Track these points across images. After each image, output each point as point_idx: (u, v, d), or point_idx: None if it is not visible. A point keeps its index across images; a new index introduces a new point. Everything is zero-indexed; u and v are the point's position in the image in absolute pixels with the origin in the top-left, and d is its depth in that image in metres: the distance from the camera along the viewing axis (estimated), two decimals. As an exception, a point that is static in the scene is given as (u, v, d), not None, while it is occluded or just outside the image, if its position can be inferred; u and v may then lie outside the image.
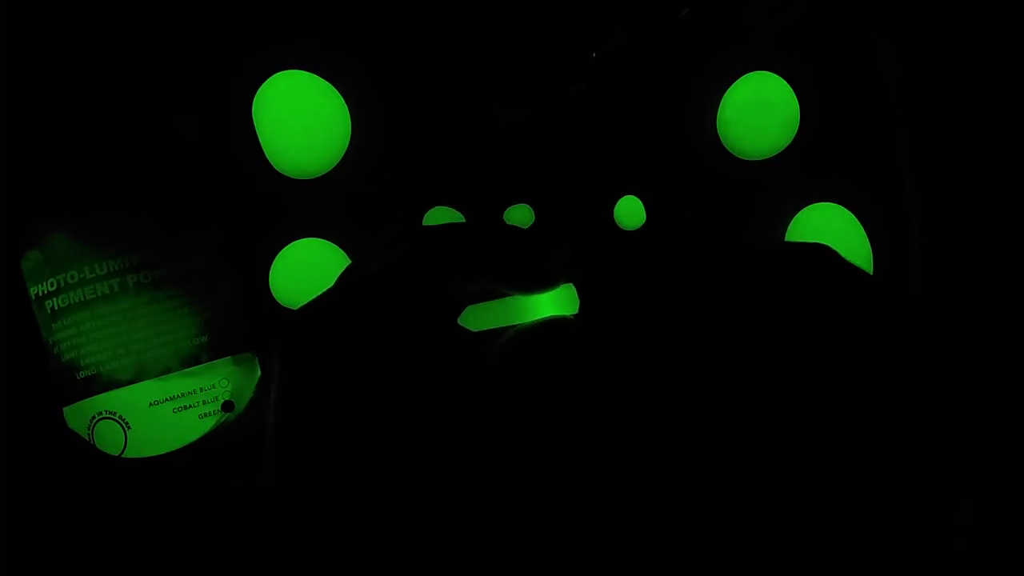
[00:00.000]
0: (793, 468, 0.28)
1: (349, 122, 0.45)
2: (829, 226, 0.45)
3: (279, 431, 0.28)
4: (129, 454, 0.44)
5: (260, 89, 0.44)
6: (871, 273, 0.41)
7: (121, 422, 0.43)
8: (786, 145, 0.46)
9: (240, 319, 0.44)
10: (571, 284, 0.31)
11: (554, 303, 0.31)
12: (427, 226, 0.31)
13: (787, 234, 0.46)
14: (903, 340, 0.29)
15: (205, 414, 0.44)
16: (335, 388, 0.28)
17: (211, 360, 0.44)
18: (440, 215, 0.45)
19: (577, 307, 0.32)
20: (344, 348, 0.28)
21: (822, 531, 0.28)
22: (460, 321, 0.31)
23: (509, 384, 0.29)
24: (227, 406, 0.44)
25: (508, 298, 0.31)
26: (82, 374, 0.43)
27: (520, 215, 0.45)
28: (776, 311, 0.29)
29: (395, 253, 0.29)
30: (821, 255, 0.31)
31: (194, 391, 0.44)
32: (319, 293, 0.30)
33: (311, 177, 0.45)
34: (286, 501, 0.28)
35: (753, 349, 0.29)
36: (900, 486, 0.27)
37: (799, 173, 0.46)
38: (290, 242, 0.45)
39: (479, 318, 0.31)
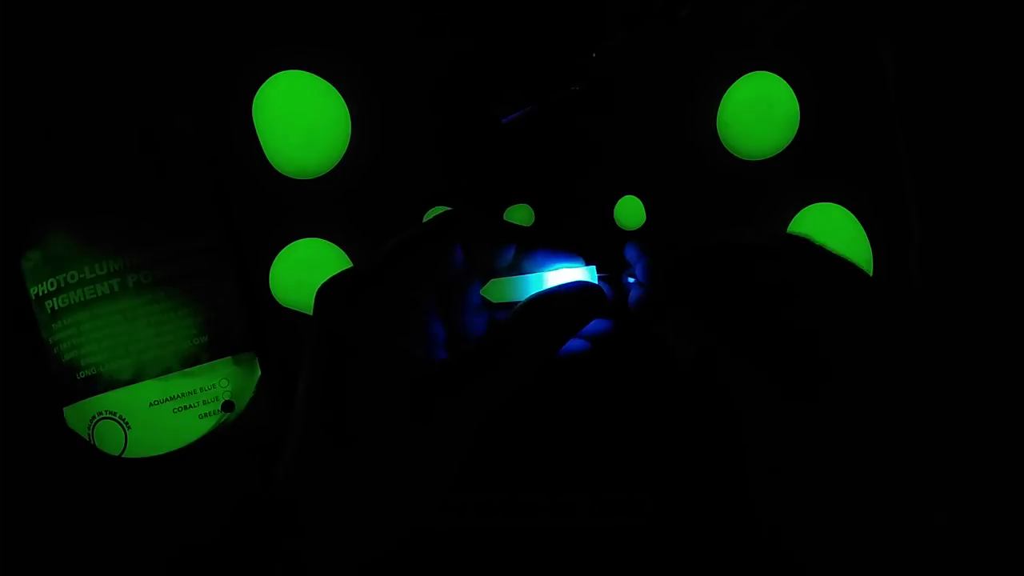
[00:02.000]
0: (771, 449, 0.28)
1: (349, 122, 0.45)
2: (829, 226, 0.45)
3: (310, 393, 0.28)
4: (129, 454, 0.44)
5: (260, 89, 0.44)
6: (862, 268, 0.41)
7: (121, 422, 0.43)
8: (786, 145, 0.46)
9: (240, 319, 0.44)
10: (592, 267, 0.32)
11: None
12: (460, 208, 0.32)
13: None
14: (883, 329, 0.29)
15: (205, 414, 0.44)
16: (369, 350, 0.28)
17: (211, 360, 0.44)
18: (440, 215, 0.45)
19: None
20: (379, 308, 0.28)
21: (800, 512, 0.28)
22: (483, 292, 0.32)
23: (537, 338, 0.29)
24: (227, 406, 0.44)
25: (529, 275, 0.32)
26: (82, 374, 0.43)
27: (520, 215, 0.45)
28: (761, 303, 0.29)
29: (430, 222, 0.30)
30: (804, 248, 0.31)
31: (194, 391, 0.44)
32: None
33: (311, 177, 0.45)
34: (310, 473, 0.28)
35: (738, 340, 0.29)
36: (877, 469, 0.27)
37: (799, 173, 0.46)
38: (290, 242, 0.45)
39: (501, 290, 0.32)
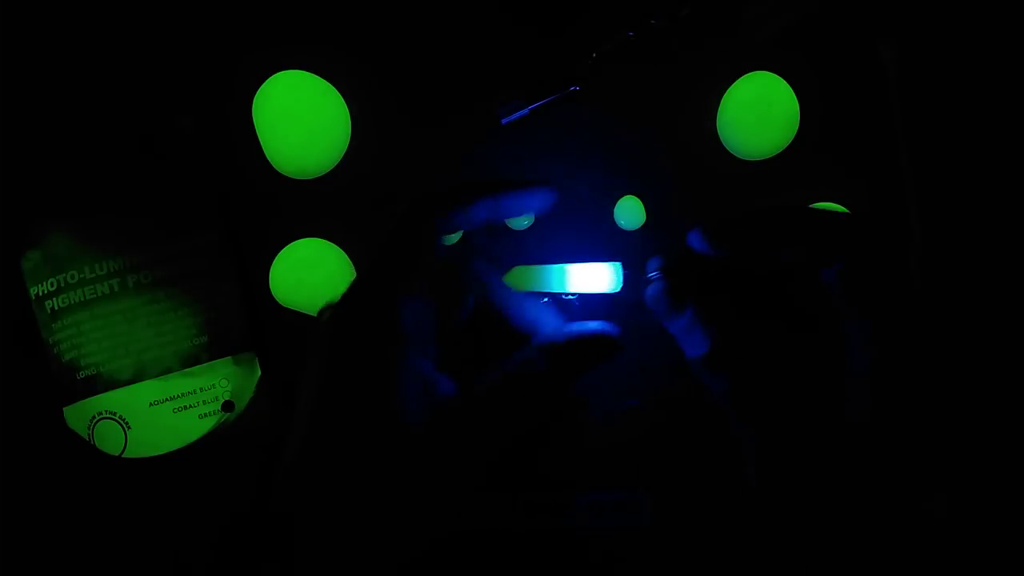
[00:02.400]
0: (774, 448, 0.28)
1: (349, 122, 0.45)
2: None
3: (309, 406, 0.28)
4: (129, 454, 0.44)
5: (260, 89, 0.44)
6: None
7: (121, 422, 0.43)
8: (786, 145, 0.46)
9: (240, 319, 0.44)
10: (618, 263, 0.32)
11: (597, 278, 0.32)
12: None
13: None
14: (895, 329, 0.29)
15: (205, 414, 0.44)
16: (374, 360, 0.28)
17: (211, 360, 0.44)
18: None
19: (620, 286, 0.32)
20: (383, 312, 0.28)
21: (802, 514, 0.28)
22: (505, 280, 0.32)
23: (540, 390, 0.29)
24: (227, 406, 0.44)
25: (551, 266, 0.32)
26: (82, 374, 0.43)
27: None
28: (771, 295, 0.30)
29: (400, 218, 0.30)
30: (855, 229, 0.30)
31: (194, 391, 0.44)
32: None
33: (311, 177, 0.45)
34: (311, 486, 0.27)
35: (752, 331, 0.30)
36: (879, 473, 0.27)
37: (799, 173, 0.46)
38: (290, 242, 0.45)
39: (523, 278, 0.32)
